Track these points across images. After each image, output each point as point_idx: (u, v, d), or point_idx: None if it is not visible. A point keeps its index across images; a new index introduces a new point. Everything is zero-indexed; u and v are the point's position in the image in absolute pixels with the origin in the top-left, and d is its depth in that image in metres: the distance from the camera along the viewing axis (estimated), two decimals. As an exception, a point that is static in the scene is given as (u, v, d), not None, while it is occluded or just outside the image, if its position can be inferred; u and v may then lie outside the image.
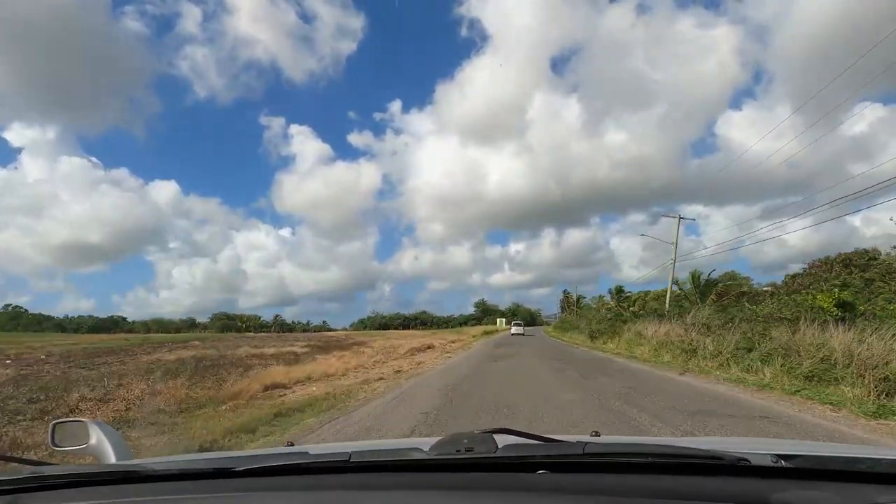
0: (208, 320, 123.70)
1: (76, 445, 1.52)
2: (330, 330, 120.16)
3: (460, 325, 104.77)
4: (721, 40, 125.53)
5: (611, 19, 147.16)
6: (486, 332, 58.44)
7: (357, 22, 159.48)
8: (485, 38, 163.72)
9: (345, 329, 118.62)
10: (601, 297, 68.71)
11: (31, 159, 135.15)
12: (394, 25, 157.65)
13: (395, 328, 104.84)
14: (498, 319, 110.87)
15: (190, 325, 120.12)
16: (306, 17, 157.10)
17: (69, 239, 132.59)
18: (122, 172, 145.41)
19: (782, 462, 0.97)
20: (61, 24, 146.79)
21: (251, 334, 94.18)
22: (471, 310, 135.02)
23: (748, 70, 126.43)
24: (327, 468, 1.18)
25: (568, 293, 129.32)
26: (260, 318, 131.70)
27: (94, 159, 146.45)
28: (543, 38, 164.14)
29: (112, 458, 1.47)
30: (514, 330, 55.27)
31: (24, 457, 1.94)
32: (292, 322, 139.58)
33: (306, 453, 1.26)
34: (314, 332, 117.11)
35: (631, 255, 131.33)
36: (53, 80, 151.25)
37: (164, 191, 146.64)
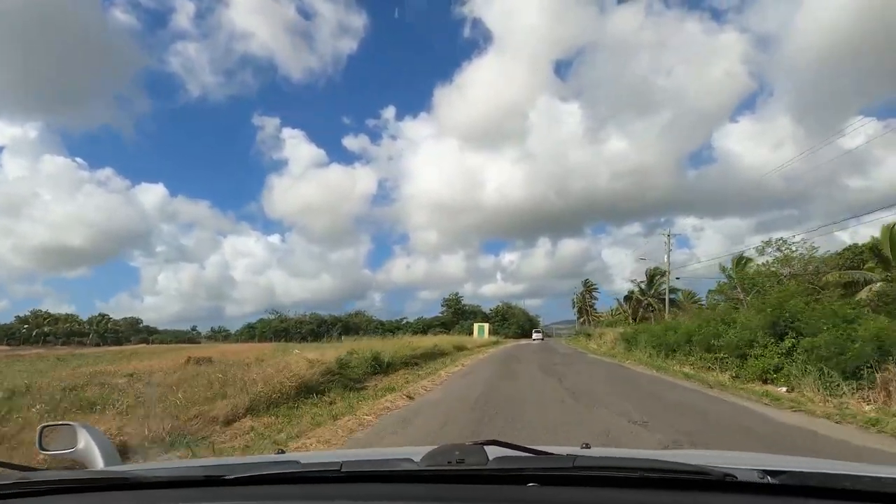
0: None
1: (64, 449, 1.54)
2: (186, 341, 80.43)
3: (417, 332, 64.91)
4: (729, 48, 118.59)
5: (618, 22, 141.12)
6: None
7: (359, 20, 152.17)
8: (488, 38, 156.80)
9: (194, 339, 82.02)
10: (744, 258, 28.48)
11: (12, 158, 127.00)
12: (396, 24, 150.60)
13: (302, 339, 64.76)
14: (476, 326, 69.45)
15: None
16: (307, 14, 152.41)
17: (50, 241, 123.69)
18: (107, 172, 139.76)
19: (768, 478, 1.00)
20: (46, 15, 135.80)
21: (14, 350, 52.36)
22: (438, 310, 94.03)
23: (755, 80, 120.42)
24: (318, 478, 1.21)
25: (591, 284, 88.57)
26: (107, 321, 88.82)
27: (78, 159, 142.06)
28: (549, 39, 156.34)
29: (100, 463, 1.50)
30: (535, 337, 64.35)
31: (11, 462, 1.55)
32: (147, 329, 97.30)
33: (297, 462, 1.28)
34: (150, 343, 77.56)
35: (623, 268, 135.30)
36: (38, 75, 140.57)
37: (151, 193, 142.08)
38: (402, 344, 18.78)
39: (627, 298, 43.57)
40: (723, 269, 31.63)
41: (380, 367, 14.36)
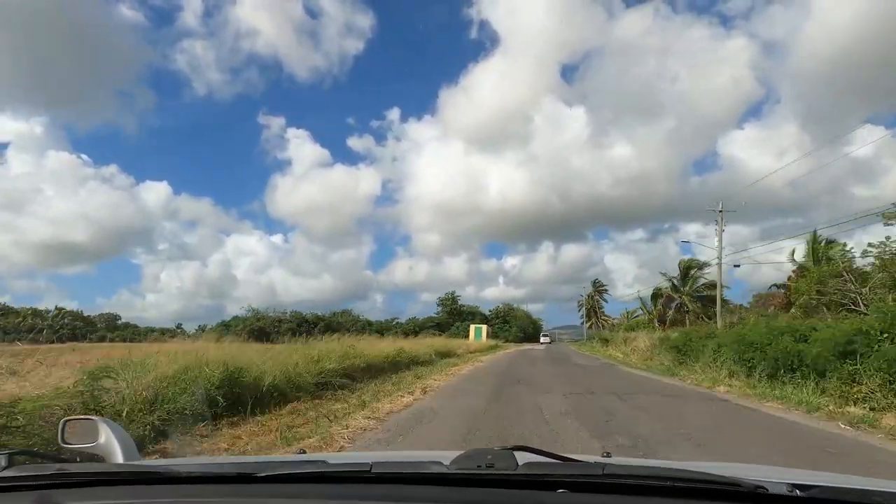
0: None
1: (86, 443, 1.58)
2: (153, 340, 73.56)
3: (408, 334, 57.70)
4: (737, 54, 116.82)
5: (626, 26, 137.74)
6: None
7: (365, 20, 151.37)
8: (494, 40, 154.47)
9: (154, 337, 75.04)
10: (819, 240, 20.25)
11: (16, 154, 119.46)
12: (402, 25, 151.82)
13: (270, 340, 57.48)
14: (473, 328, 62.04)
15: None
16: (313, 13, 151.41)
17: (53, 237, 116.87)
18: (111, 169, 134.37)
19: (797, 492, 0.99)
20: (50, 10, 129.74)
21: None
22: (433, 310, 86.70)
23: (763, 86, 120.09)
24: (348, 478, 1.22)
25: (601, 284, 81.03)
26: (64, 315, 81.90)
27: (83, 156, 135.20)
28: (556, 42, 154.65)
29: (120, 458, 1.54)
30: (543, 340, 66.16)
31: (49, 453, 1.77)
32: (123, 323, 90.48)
33: (325, 462, 1.31)
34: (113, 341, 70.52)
35: (626, 273, 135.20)
36: (43, 71, 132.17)
37: (154, 190, 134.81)
38: (329, 350, 11.46)
39: (655, 297, 36.09)
40: (792, 256, 24.34)
41: (239, 399, 6.98)
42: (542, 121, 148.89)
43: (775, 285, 26.19)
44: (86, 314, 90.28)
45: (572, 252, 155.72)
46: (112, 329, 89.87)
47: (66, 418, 1.68)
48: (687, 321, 31.45)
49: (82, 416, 1.75)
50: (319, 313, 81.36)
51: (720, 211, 24.49)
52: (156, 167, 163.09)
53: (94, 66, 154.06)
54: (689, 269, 32.86)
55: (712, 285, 32.67)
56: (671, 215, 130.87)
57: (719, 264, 24.07)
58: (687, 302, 32.23)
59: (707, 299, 31.79)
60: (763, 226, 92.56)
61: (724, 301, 33.40)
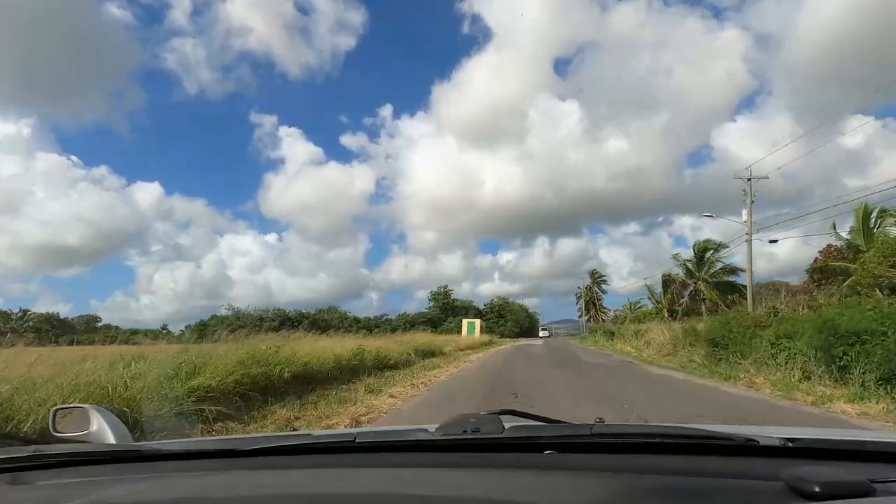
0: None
1: (77, 431, 1.53)
2: (128, 342, 70.00)
3: (398, 330, 54.41)
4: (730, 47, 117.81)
5: (619, 19, 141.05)
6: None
7: (357, 16, 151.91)
8: (487, 35, 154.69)
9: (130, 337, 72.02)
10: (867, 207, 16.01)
11: (4, 155, 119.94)
12: (394, 20, 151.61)
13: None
14: (465, 322, 58.58)
15: None
16: (304, 10, 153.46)
17: (44, 240, 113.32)
18: (102, 170, 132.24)
19: (789, 444, 1.00)
20: (39, 9, 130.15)
21: None
22: (425, 306, 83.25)
23: (755, 79, 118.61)
24: (332, 448, 1.22)
25: (599, 275, 77.52)
26: (29, 316, 77.81)
27: (73, 157, 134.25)
28: (549, 36, 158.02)
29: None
30: (542, 334, 67.07)
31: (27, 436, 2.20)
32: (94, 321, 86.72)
33: (310, 435, 1.31)
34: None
35: (621, 266, 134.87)
36: (31, 71, 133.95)
37: (146, 191, 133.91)
38: (219, 355, 7.53)
39: (666, 283, 32.49)
40: (833, 227, 20.79)
41: None
42: (535, 115, 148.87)
43: (821, 266, 22.57)
44: (63, 316, 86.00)
45: (567, 247, 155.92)
46: (91, 331, 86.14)
47: (56, 407, 1.64)
48: (703, 310, 27.94)
49: (73, 405, 1.67)
50: (304, 311, 77.98)
51: (749, 179, 20.84)
52: (147, 168, 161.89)
53: (84, 65, 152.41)
54: (704, 252, 29.28)
55: (731, 270, 29.19)
56: (665, 208, 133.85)
57: (749, 241, 20.41)
58: (703, 288, 28.69)
59: (726, 285, 28.31)
60: (755, 216, 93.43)
61: (741, 287, 29.96)
